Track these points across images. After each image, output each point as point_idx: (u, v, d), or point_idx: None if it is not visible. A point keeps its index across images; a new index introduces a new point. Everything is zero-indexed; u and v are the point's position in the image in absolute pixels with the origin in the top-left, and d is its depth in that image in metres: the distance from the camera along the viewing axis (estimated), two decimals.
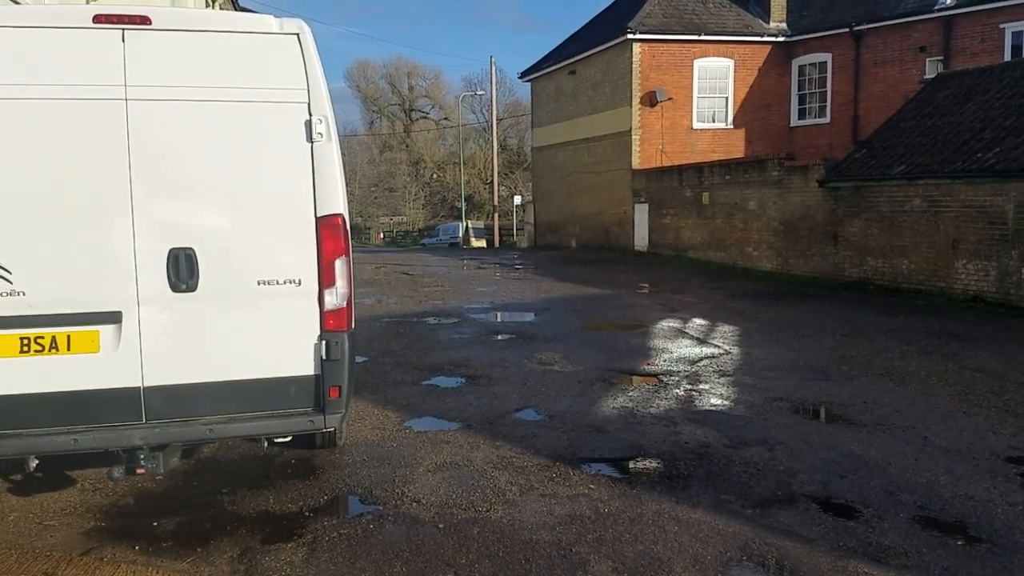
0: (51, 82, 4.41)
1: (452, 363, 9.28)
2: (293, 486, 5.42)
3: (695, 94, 25.56)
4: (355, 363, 5.14)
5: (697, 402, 7.55)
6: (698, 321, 12.25)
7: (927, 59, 22.71)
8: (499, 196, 44.90)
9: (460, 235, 46.60)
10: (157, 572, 4.25)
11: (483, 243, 43.41)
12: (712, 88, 25.74)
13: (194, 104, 4.60)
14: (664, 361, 9.39)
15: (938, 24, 22.45)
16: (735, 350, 10.05)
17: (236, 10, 21.33)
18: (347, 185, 5.09)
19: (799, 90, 26.15)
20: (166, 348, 4.61)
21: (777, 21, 25.98)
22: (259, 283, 4.73)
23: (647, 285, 17.36)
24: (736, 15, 26.09)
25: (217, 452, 6.12)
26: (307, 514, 4.97)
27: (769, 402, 7.51)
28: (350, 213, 5.10)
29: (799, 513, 4.94)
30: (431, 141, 70.15)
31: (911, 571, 4.21)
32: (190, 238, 4.61)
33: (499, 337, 11.14)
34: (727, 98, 25.84)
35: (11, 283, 4.39)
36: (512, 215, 49.02)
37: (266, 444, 5.48)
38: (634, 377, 8.70)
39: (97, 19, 4.50)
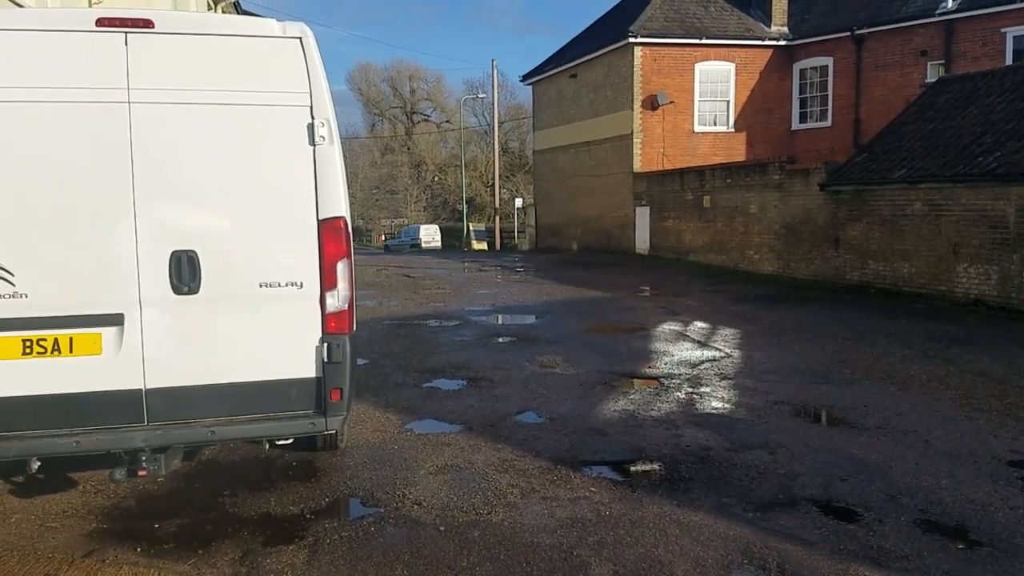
0: (54, 85, 4.42)
1: (453, 365, 9.29)
2: (294, 488, 5.42)
3: (696, 97, 25.58)
4: (356, 365, 5.14)
5: (698, 405, 7.55)
6: (699, 324, 12.26)
7: (928, 63, 22.73)
8: (500, 199, 44.97)
9: (420, 238, 47.73)
10: (159, 574, 4.25)
11: (484, 245, 43.46)
12: (713, 92, 25.76)
13: (197, 107, 4.61)
14: (665, 364, 9.39)
15: (939, 28, 22.47)
16: (736, 353, 10.05)
17: (238, 14, 21.38)
18: (348, 187, 5.10)
19: (800, 94, 26.17)
20: (168, 350, 4.62)
21: (778, 25, 26.00)
22: (261, 285, 4.74)
23: (648, 288, 17.37)
24: (737, 19, 26.12)
25: (218, 454, 6.13)
26: (308, 516, 4.97)
27: (770, 405, 7.51)
28: (351, 215, 5.11)
29: (800, 516, 4.94)
30: (432, 144, 70.24)
31: (912, 575, 4.21)
32: (192, 241, 4.61)
33: (500, 340, 11.15)
34: (728, 102, 25.86)
35: (13, 285, 4.40)
36: (513, 218, 49.08)
37: (267, 446, 5.49)
38: (635, 380, 8.71)
39: (100, 22, 4.51)
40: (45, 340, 4.45)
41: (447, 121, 71.15)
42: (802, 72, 26.02)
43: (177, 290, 4.59)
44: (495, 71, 43.30)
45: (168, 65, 4.58)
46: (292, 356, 4.81)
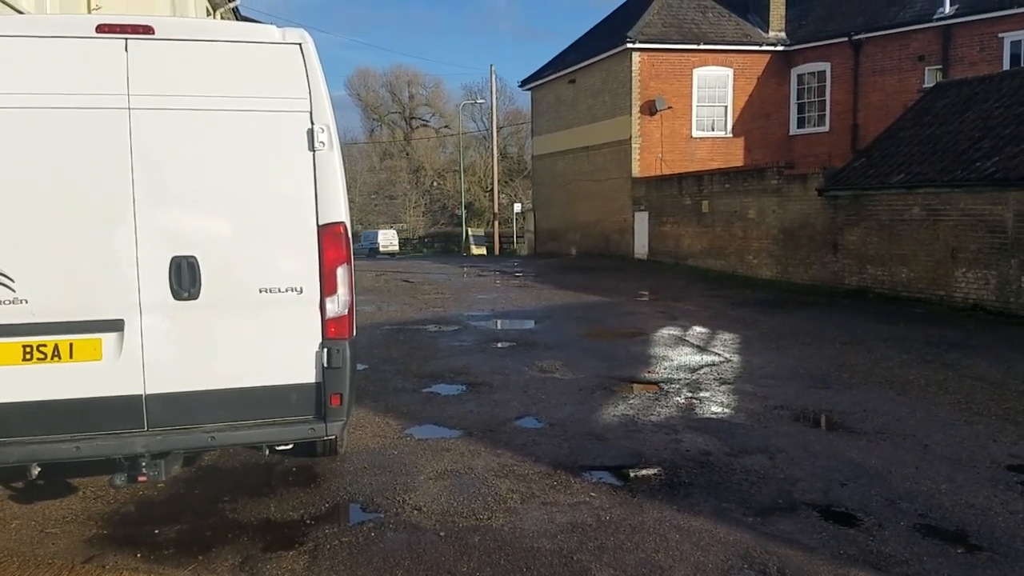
0: (54, 91, 4.42)
1: (452, 371, 9.29)
2: (294, 494, 5.42)
3: (694, 103, 25.64)
4: (356, 371, 5.14)
5: (698, 410, 7.56)
6: (698, 329, 12.26)
7: (926, 68, 22.79)
8: (499, 204, 44.99)
9: (378, 242, 48.65)
10: None
11: (483, 251, 43.46)
12: (711, 97, 25.82)
13: (197, 113, 4.62)
14: (665, 369, 9.40)
15: (937, 33, 22.53)
16: (735, 358, 10.06)
17: (238, 20, 21.42)
18: (347, 193, 5.11)
19: (798, 99, 26.22)
20: (168, 356, 4.62)
21: (776, 30, 26.06)
22: (261, 291, 4.74)
23: (647, 293, 17.38)
24: (735, 24, 26.18)
25: (218, 460, 6.13)
26: (308, 522, 4.97)
27: (770, 410, 7.51)
28: (351, 221, 5.12)
29: (800, 521, 4.94)
30: (431, 149, 70.27)
31: None
32: (192, 246, 4.62)
33: (499, 345, 11.15)
34: (726, 107, 25.91)
35: (13, 291, 4.40)
36: (512, 223, 49.06)
37: (267, 452, 5.48)
38: (635, 385, 8.71)
39: (100, 28, 4.52)
40: (45, 346, 4.45)
41: (446, 126, 71.22)
42: (800, 77, 26.07)
43: (177, 295, 4.59)
44: (494, 76, 43.47)
45: (168, 71, 4.59)
46: (292, 361, 4.81)
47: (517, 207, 46.65)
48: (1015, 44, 21.26)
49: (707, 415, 7.39)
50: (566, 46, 33.09)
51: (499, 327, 13.19)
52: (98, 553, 4.56)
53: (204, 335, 4.67)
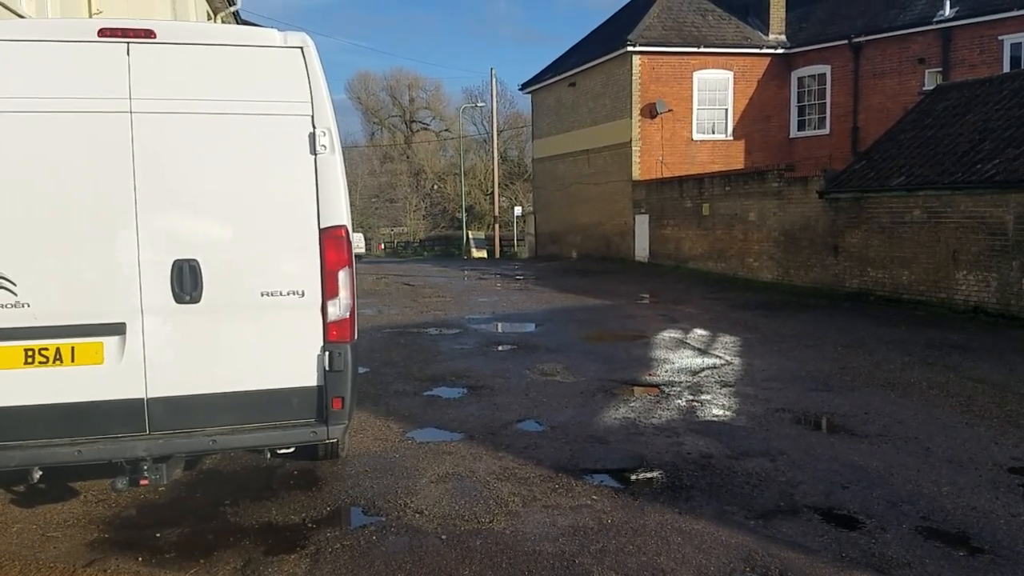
0: (56, 95, 4.43)
1: (454, 374, 9.29)
2: (296, 497, 5.42)
3: (695, 106, 25.65)
4: (357, 374, 5.15)
5: (699, 413, 7.55)
6: (699, 332, 12.26)
7: (926, 70, 22.80)
8: (500, 207, 45.00)
9: None
10: None
11: (484, 254, 43.47)
12: (712, 100, 25.83)
13: (198, 117, 4.62)
14: (666, 372, 9.39)
15: (937, 36, 22.54)
16: (736, 361, 10.05)
17: (239, 24, 21.44)
18: (348, 196, 5.11)
19: (798, 101, 26.23)
20: (170, 359, 4.63)
21: (776, 33, 26.08)
22: (262, 294, 4.74)
23: (648, 296, 17.38)
24: (735, 27, 26.20)
25: (220, 463, 6.12)
26: (310, 525, 4.97)
27: (771, 413, 7.51)
28: (351, 224, 5.12)
29: (802, 524, 4.93)
30: (432, 152, 70.29)
31: None
32: (194, 250, 4.62)
33: (500, 348, 11.15)
34: (727, 110, 25.93)
35: (15, 295, 4.40)
36: (513, 226, 49.06)
37: (269, 455, 5.49)
38: (636, 388, 8.71)
39: (102, 32, 4.53)
40: (47, 349, 4.46)
41: (446, 130, 71.26)
42: (800, 80, 26.09)
43: (179, 299, 4.60)
44: (494, 80, 43.45)
45: (170, 75, 4.60)
46: (293, 365, 4.82)
47: (518, 210, 46.65)
48: (1015, 46, 21.26)
49: (708, 418, 7.38)
50: (566, 49, 33.14)
51: (500, 330, 13.19)
52: (100, 557, 4.56)
53: (206, 338, 4.68)
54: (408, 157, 70.08)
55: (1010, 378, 8.85)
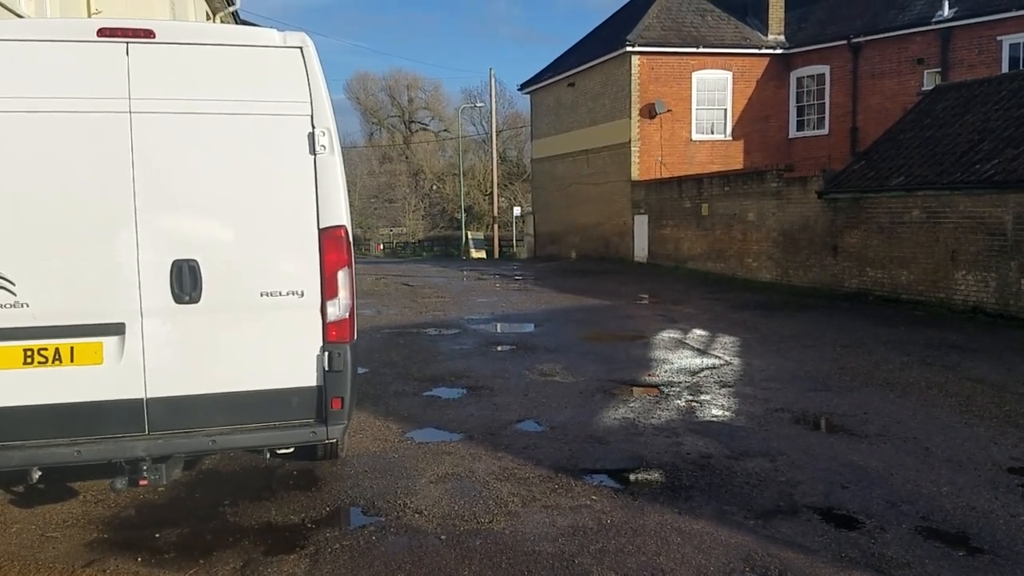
0: (55, 95, 4.43)
1: (453, 374, 9.29)
2: (295, 497, 5.42)
3: (694, 106, 25.65)
4: (357, 374, 5.14)
5: (698, 413, 7.56)
6: (698, 332, 12.27)
7: (925, 71, 22.81)
8: (499, 207, 44.99)
9: None
10: None
11: (483, 254, 43.47)
12: (711, 100, 25.84)
13: (198, 117, 4.62)
14: (665, 372, 9.39)
15: (936, 36, 22.55)
16: (735, 361, 10.06)
17: (238, 24, 21.44)
18: (348, 196, 5.11)
19: (797, 102, 26.24)
20: (169, 360, 4.62)
21: (775, 34, 26.09)
22: (262, 294, 4.74)
23: (647, 296, 17.38)
24: (734, 28, 26.21)
25: (219, 463, 6.12)
26: (309, 525, 4.97)
27: (770, 413, 7.51)
28: (351, 224, 5.12)
29: (801, 524, 4.94)
30: (430, 153, 70.30)
31: None
32: (193, 250, 4.62)
33: (500, 348, 11.15)
34: (726, 110, 25.93)
35: (15, 295, 4.40)
36: (512, 226, 49.08)
37: (268, 455, 5.48)
38: (635, 388, 8.71)
39: (101, 32, 4.52)
40: (46, 350, 4.46)
41: (445, 130, 71.27)
42: (799, 80, 26.10)
43: (178, 299, 4.59)
44: (493, 80, 43.47)
45: (169, 75, 4.60)
46: (293, 365, 4.82)
47: (517, 210, 46.65)
48: (1014, 47, 21.28)
49: (708, 418, 7.38)
50: (566, 49, 33.15)
51: (499, 330, 13.19)
52: (99, 557, 4.55)
53: (205, 339, 4.68)
54: (407, 157, 70.08)
55: (1009, 378, 8.86)
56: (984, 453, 6.27)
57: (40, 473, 4.68)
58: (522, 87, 34.07)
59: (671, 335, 12.03)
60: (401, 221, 65.35)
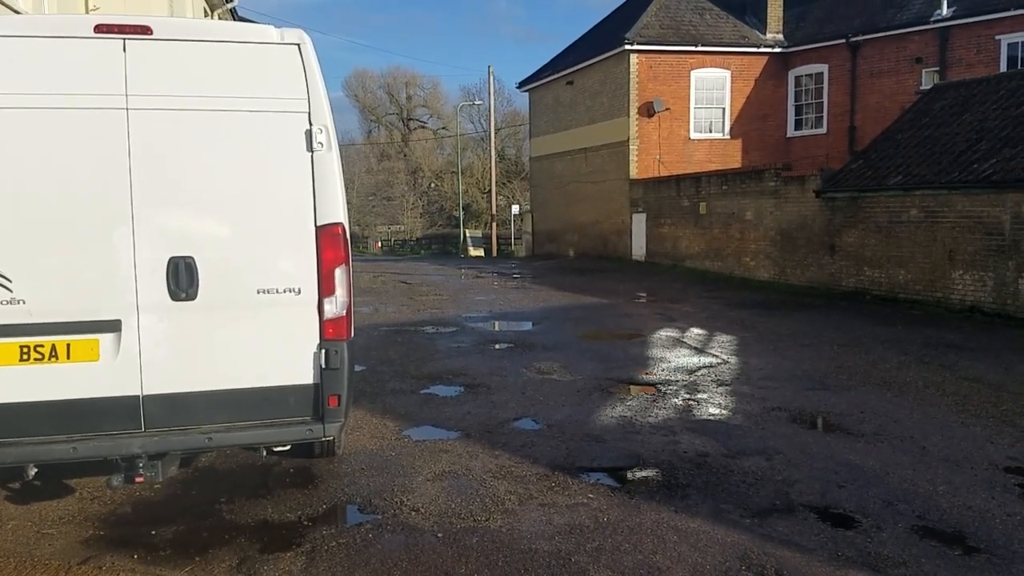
0: (52, 91, 4.42)
1: (450, 372, 9.28)
2: (292, 495, 5.41)
3: (692, 104, 25.65)
4: (354, 372, 5.14)
5: (695, 411, 7.56)
6: (696, 331, 12.27)
7: (923, 70, 22.81)
8: (497, 205, 44.96)
9: None
10: None
11: (481, 252, 43.44)
12: (709, 99, 25.83)
13: (195, 114, 4.61)
14: (662, 370, 9.40)
15: (934, 35, 22.56)
16: (733, 360, 10.06)
17: (236, 20, 21.41)
18: (345, 194, 5.10)
19: (796, 101, 26.24)
20: (165, 357, 4.61)
21: (774, 32, 26.09)
22: (259, 292, 4.73)
23: (645, 294, 17.38)
24: (733, 26, 26.20)
25: (215, 461, 6.12)
26: (306, 523, 4.96)
27: (767, 411, 7.51)
28: (348, 222, 5.11)
29: (798, 523, 4.94)
30: (429, 150, 70.22)
31: None
32: (190, 247, 4.61)
33: (497, 346, 11.15)
34: (724, 108, 25.93)
35: (11, 291, 4.39)
36: (510, 224, 49.05)
37: (264, 453, 5.47)
38: (632, 386, 8.71)
39: (99, 29, 4.51)
40: (42, 346, 4.45)
41: (444, 128, 71.16)
42: (797, 79, 26.10)
43: (175, 296, 4.59)
44: (491, 78, 43.46)
45: (166, 72, 4.58)
46: (290, 362, 4.81)
47: (515, 208, 46.64)
48: (1012, 46, 21.29)
49: (705, 417, 7.38)
50: (565, 47, 33.12)
51: (497, 328, 13.19)
52: (95, 554, 4.55)
53: (202, 336, 4.67)
54: (405, 155, 70.01)
55: (1006, 377, 8.86)
56: (981, 452, 6.27)
57: (36, 470, 4.67)
58: (521, 85, 34.07)
59: (669, 334, 12.04)
60: (399, 219, 65.30)
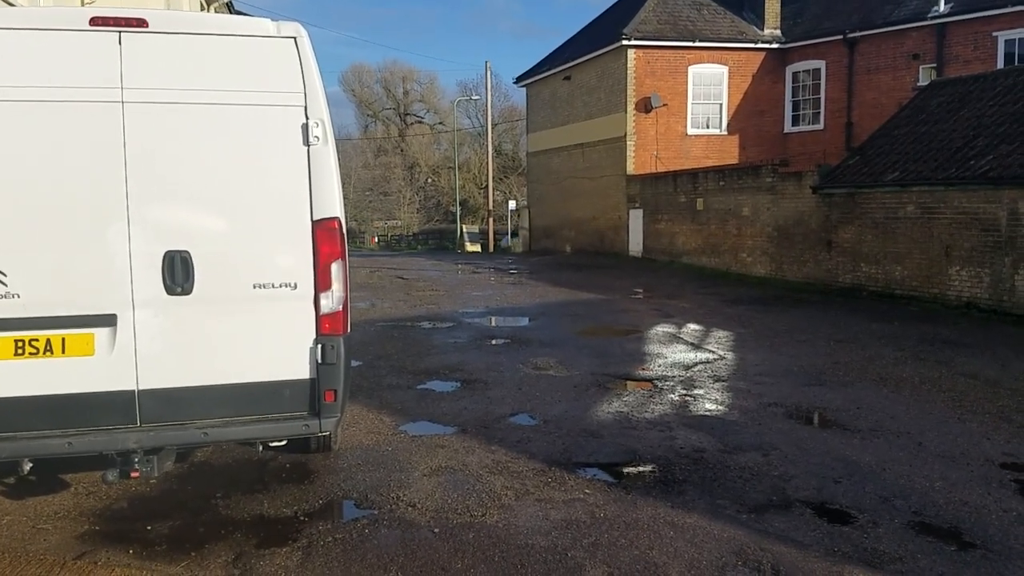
0: (47, 84, 4.40)
1: (447, 367, 9.27)
2: (288, 490, 5.40)
3: (689, 100, 25.64)
4: (350, 367, 5.13)
5: (692, 407, 7.56)
6: (692, 326, 12.27)
7: (920, 66, 22.82)
8: (494, 201, 44.92)
9: None
10: None
11: (478, 248, 43.43)
12: (706, 94, 25.83)
13: (191, 107, 4.59)
14: (659, 366, 9.39)
15: (931, 32, 22.57)
16: (729, 355, 10.06)
17: (231, 14, 21.32)
18: (342, 189, 5.08)
19: (793, 97, 26.24)
20: (161, 351, 4.60)
21: (771, 28, 26.08)
22: (255, 286, 4.72)
23: (642, 290, 17.38)
24: (730, 22, 26.19)
25: (211, 456, 6.10)
26: (302, 518, 4.95)
27: (764, 407, 7.52)
28: (345, 217, 5.10)
29: (794, 518, 4.94)
30: (426, 145, 70.14)
31: None
32: (185, 241, 4.59)
33: (494, 342, 11.14)
34: (721, 104, 25.92)
35: (6, 285, 4.37)
36: (507, 220, 49.04)
37: (261, 448, 5.46)
38: (629, 382, 8.70)
39: (94, 21, 4.49)
40: (37, 340, 4.43)
41: (440, 123, 71.09)
42: (795, 75, 26.09)
43: (170, 290, 4.57)
44: (489, 73, 43.31)
45: (162, 64, 4.56)
46: (286, 357, 4.79)
47: (512, 204, 46.63)
48: (1009, 43, 21.30)
49: (701, 412, 7.38)
50: (562, 42, 33.08)
51: (494, 324, 13.18)
52: (90, 549, 4.53)
53: (197, 330, 4.65)
54: (402, 150, 69.92)
55: (1002, 373, 8.88)
56: (977, 448, 6.28)
57: (31, 465, 4.64)
58: (518, 80, 34.03)
59: (665, 329, 12.04)
60: (396, 214, 65.26)
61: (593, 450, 6.29)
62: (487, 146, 45.05)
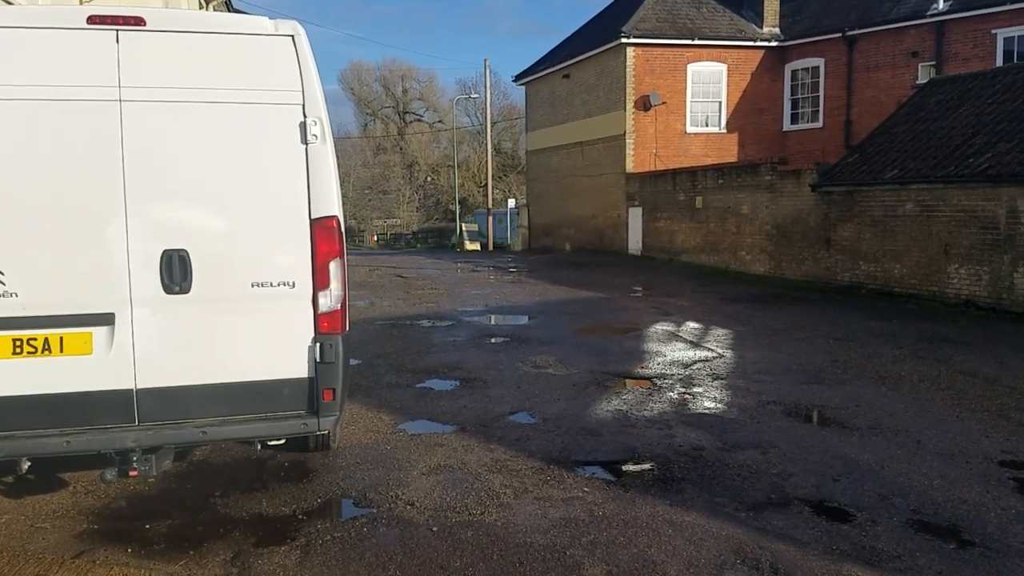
0: (44, 83, 4.39)
1: (446, 366, 9.27)
2: (286, 489, 5.40)
3: (688, 98, 25.63)
4: (349, 366, 5.12)
5: (691, 405, 7.56)
6: (691, 324, 12.27)
7: (920, 64, 22.82)
8: (493, 199, 44.90)
9: None
10: (149, 574, 4.23)
11: (477, 246, 43.42)
12: (705, 92, 25.81)
13: (188, 105, 4.59)
14: (658, 364, 9.39)
15: (931, 29, 22.56)
16: (728, 353, 10.06)
17: (230, 12, 21.30)
18: (340, 187, 5.08)
19: (792, 95, 26.24)
20: (159, 350, 4.59)
21: (770, 26, 26.06)
22: (253, 285, 4.71)
23: (641, 289, 17.38)
24: (729, 20, 26.17)
25: (210, 454, 6.10)
26: (300, 517, 4.95)
27: (762, 405, 7.52)
28: (344, 215, 5.09)
29: (793, 516, 4.94)
30: (425, 144, 70.11)
31: (904, 575, 4.21)
32: (184, 240, 4.59)
33: (493, 340, 11.14)
34: (720, 102, 25.91)
35: (4, 284, 4.37)
36: (506, 218, 48.99)
37: (259, 447, 5.46)
38: (628, 380, 8.70)
39: (91, 20, 4.48)
40: (35, 339, 4.42)
41: (440, 121, 71.05)
42: (794, 73, 26.08)
43: (168, 289, 4.56)
44: (488, 71, 43.25)
45: (160, 63, 4.56)
46: (284, 356, 4.79)
47: (511, 202, 46.60)
48: (1008, 40, 21.29)
49: (700, 410, 7.38)
50: (561, 40, 33.06)
51: (493, 322, 13.18)
52: (88, 548, 4.53)
53: (195, 329, 4.65)
54: (401, 148, 69.88)
55: (1001, 371, 8.88)
56: (976, 446, 6.28)
57: (29, 464, 4.64)
58: (517, 78, 33.99)
59: (664, 328, 12.04)
60: (395, 212, 65.24)
61: (592, 448, 6.29)
62: (486, 144, 45.02)
